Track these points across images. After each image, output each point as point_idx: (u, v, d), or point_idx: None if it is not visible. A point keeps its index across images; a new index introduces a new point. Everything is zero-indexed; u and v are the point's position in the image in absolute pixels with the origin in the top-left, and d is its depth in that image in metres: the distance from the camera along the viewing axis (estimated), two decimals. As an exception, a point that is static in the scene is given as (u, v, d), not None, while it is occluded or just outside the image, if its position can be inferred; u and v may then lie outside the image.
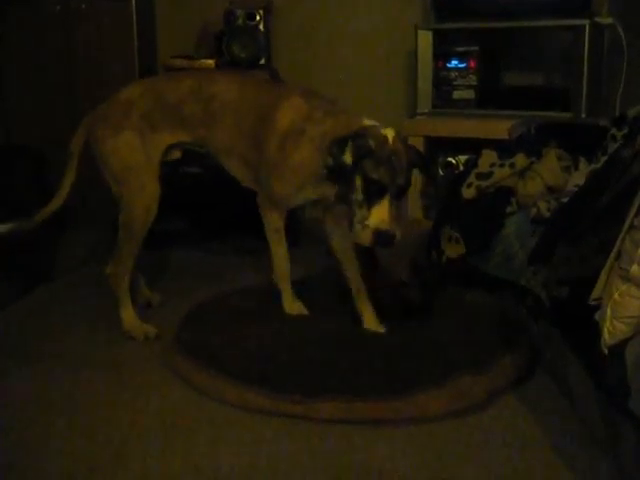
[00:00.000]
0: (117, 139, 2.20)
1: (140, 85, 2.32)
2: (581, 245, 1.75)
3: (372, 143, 1.89)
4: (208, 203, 3.37)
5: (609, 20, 2.94)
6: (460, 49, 3.13)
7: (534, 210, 2.32)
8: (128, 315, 2.31)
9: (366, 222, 1.89)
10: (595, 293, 1.60)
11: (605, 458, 1.59)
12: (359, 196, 1.90)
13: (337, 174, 1.95)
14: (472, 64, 3.11)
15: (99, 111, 2.26)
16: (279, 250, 2.23)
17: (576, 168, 2.37)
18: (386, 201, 1.88)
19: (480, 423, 1.78)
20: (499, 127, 2.75)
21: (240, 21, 3.39)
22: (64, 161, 2.29)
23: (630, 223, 1.56)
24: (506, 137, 2.66)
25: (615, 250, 1.57)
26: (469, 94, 3.13)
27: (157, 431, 1.76)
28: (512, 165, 2.47)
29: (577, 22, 2.81)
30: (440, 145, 3.17)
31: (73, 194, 2.30)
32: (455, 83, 3.14)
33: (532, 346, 2.07)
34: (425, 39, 3.08)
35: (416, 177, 2.09)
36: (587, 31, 2.78)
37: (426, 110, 3.15)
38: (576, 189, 2.19)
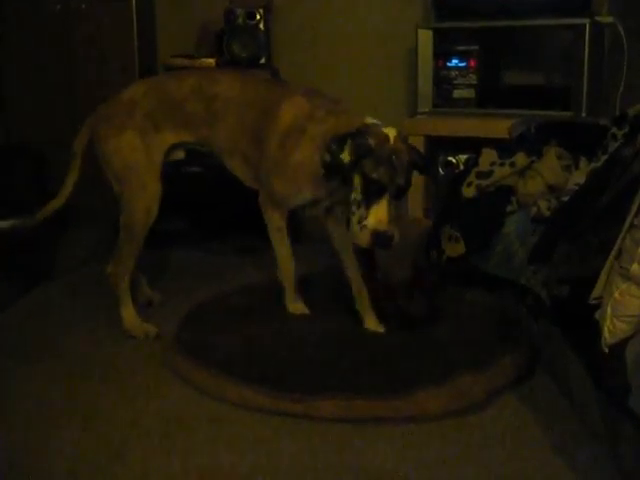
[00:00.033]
0: (120, 139, 2.20)
1: (143, 84, 2.31)
2: (581, 244, 1.75)
3: (372, 142, 1.88)
4: (208, 203, 3.37)
5: (609, 19, 2.94)
6: (460, 48, 3.12)
7: (534, 209, 2.32)
8: (128, 314, 2.31)
9: (364, 222, 1.87)
10: (595, 292, 1.60)
11: (605, 458, 1.58)
12: (358, 196, 1.89)
13: (333, 172, 1.94)
14: (472, 63, 3.10)
15: (102, 111, 2.26)
16: (282, 249, 2.22)
17: (576, 167, 2.37)
18: (385, 201, 1.86)
19: (480, 422, 1.78)
20: (499, 126, 2.75)
21: (240, 20, 3.38)
22: (66, 161, 2.29)
23: (630, 222, 1.56)
24: (506, 136, 2.66)
25: (615, 249, 1.57)
26: (469, 93, 3.12)
27: (157, 431, 1.76)
28: (512, 164, 2.47)
29: (577, 21, 2.81)
30: (440, 144, 3.16)
31: (75, 193, 2.30)
32: (455, 82, 3.13)
33: (532, 345, 2.07)
34: (425, 38, 3.08)
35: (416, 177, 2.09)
36: (587, 30, 2.77)
37: (426, 109, 3.14)
38: (576, 188, 2.19)
